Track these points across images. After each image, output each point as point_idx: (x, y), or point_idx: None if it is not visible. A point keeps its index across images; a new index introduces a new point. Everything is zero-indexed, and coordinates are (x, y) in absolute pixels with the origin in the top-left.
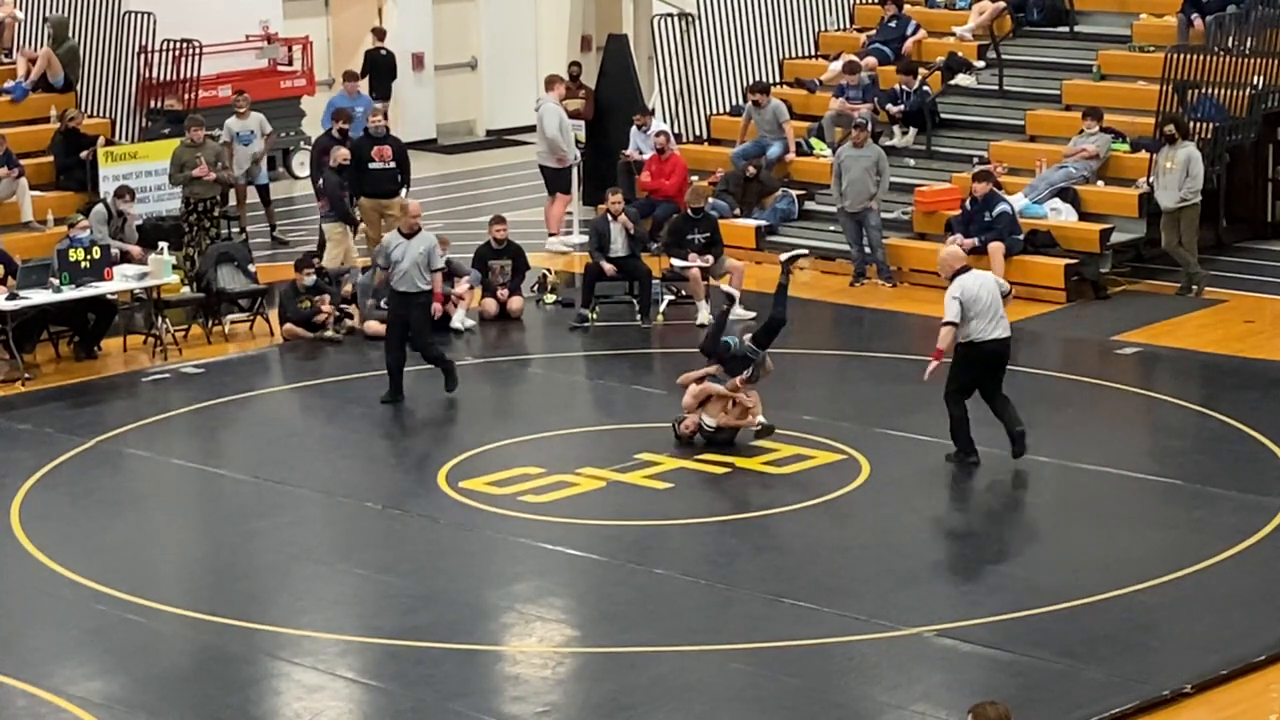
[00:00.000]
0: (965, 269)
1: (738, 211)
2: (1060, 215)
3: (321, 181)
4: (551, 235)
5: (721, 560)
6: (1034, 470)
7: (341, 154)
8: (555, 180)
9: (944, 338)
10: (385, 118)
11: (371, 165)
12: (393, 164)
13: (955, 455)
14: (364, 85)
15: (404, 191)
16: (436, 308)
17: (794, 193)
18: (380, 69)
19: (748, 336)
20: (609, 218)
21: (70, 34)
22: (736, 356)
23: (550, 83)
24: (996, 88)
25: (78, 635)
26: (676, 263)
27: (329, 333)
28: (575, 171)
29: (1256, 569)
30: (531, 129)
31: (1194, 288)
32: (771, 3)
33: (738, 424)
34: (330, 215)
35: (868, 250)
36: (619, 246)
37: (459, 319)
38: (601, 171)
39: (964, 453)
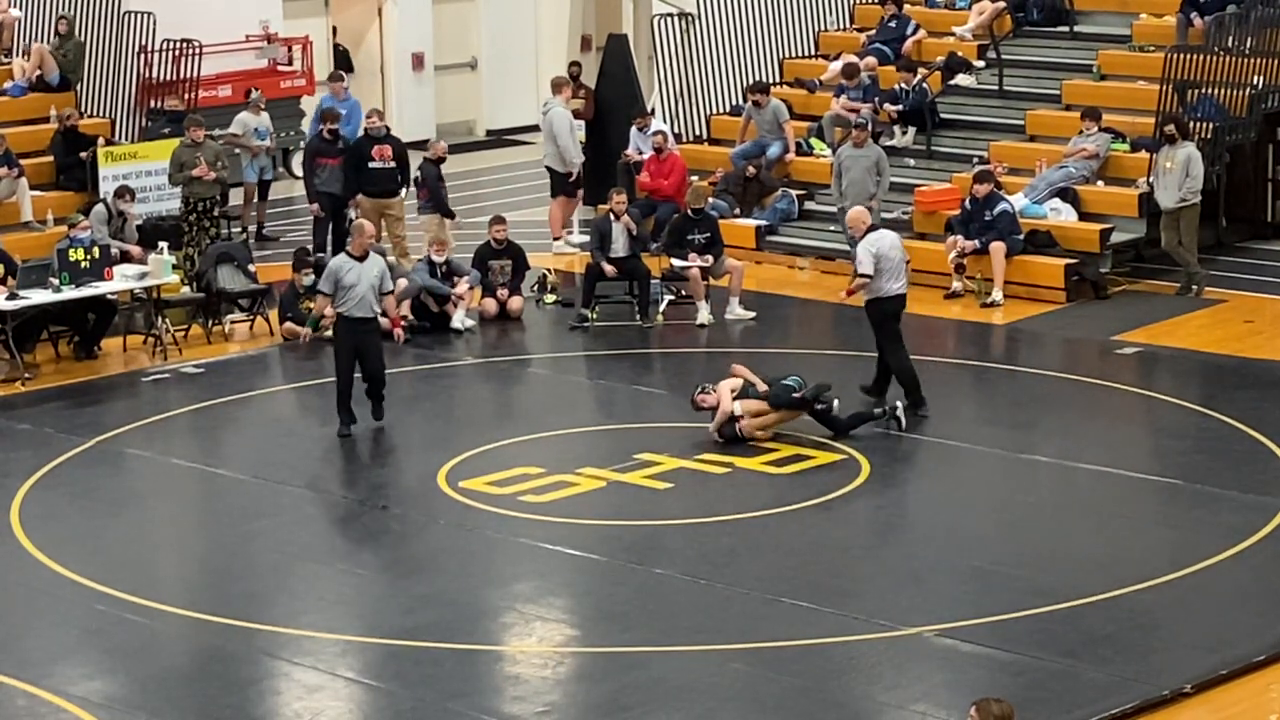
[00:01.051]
0: (874, 227)
1: (738, 211)
2: (1060, 215)
3: (419, 174)
4: (555, 238)
5: (721, 560)
6: (1034, 470)
7: (441, 147)
8: (563, 183)
9: (860, 286)
10: None
11: (371, 164)
12: (393, 163)
13: (910, 402)
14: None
15: (404, 191)
16: (399, 333)
17: (794, 193)
18: (336, 65)
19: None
20: (611, 217)
21: (76, 32)
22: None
23: (558, 86)
24: (996, 88)
25: (78, 635)
26: (676, 263)
27: (329, 333)
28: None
29: (1256, 569)
30: (532, 129)
31: (1194, 288)
32: (771, 3)
33: (748, 430)
34: (427, 206)
35: None
36: (620, 247)
37: (459, 319)
38: (601, 172)
39: (913, 401)
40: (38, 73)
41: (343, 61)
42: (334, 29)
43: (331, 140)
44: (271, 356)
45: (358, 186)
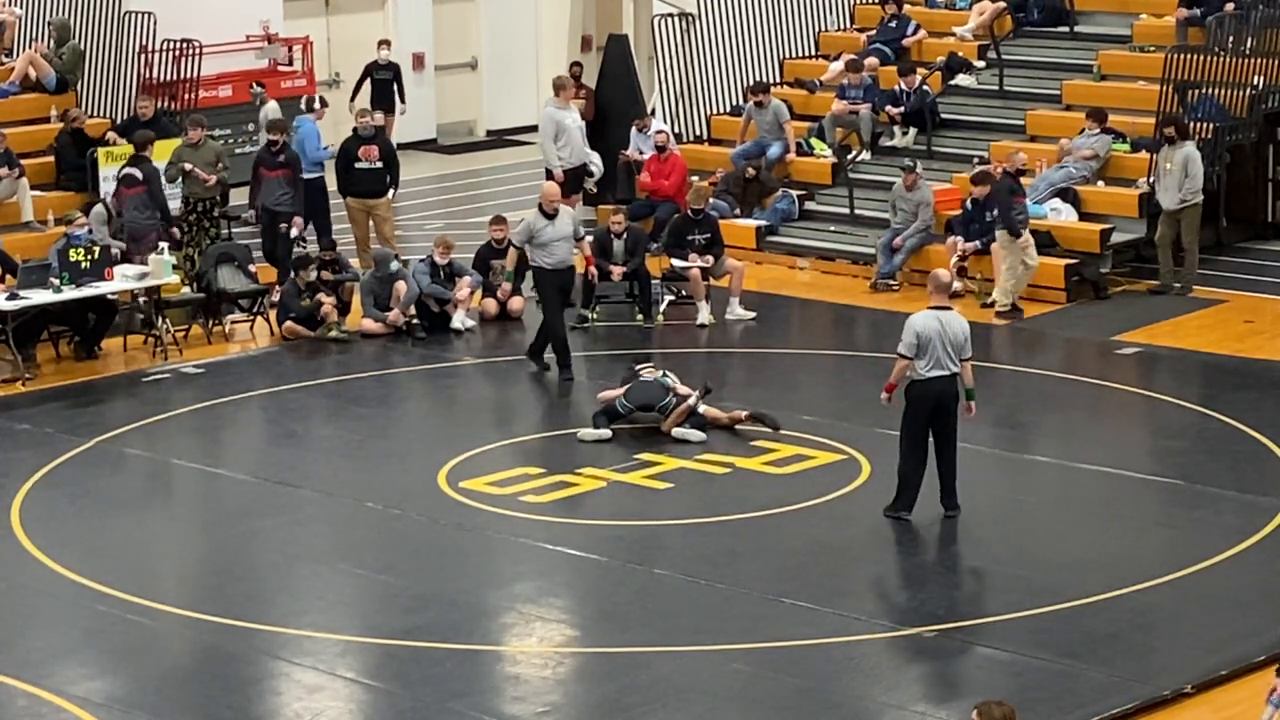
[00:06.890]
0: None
1: (738, 211)
2: (1060, 215)
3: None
4: None
5: (721, 560)
6: (1034, 470)
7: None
8: (564, 182)
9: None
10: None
11: (358, 165)
12: (379, 164)
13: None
14: (365, 95)
15: (392, 192)
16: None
17: (794, 193)
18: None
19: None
20: (609, 231)
21: (73, 36)
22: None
23: (557, 87)
24: (996, 88)
25: (78, 635)
26: (677, 263)
27: (332, 333)
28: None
29: (1256, 569)
30: (532, 129)
31: (1176, 285)
32: (771, 3)
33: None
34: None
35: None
36: (619, 258)
37: (459, 319)
38: (600, 172)
39: None
40: (32, 74)
41: (385, 88)
42: (386, 43)
43: (275, 153)
44: (271, 356)
45: (345, 187)
